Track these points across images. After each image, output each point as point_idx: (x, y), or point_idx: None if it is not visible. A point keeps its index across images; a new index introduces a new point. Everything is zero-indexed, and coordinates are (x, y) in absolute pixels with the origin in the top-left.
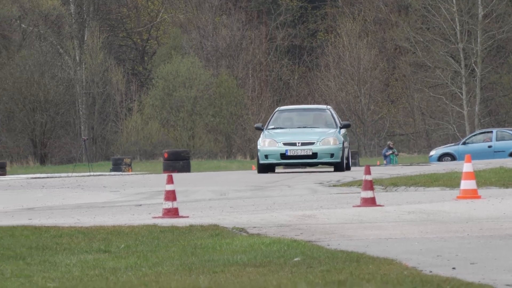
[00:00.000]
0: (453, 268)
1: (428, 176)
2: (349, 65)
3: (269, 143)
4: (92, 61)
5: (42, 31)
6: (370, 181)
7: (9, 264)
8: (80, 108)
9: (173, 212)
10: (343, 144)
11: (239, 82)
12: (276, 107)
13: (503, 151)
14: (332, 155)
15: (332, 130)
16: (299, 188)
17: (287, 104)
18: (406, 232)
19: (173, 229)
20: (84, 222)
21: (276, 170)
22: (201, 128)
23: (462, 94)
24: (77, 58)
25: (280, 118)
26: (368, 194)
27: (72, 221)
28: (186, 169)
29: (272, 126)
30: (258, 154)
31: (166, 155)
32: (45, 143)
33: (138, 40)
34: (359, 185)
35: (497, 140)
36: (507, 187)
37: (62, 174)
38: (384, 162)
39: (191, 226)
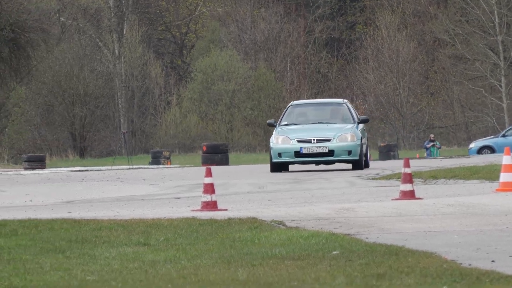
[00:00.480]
0: (492, 261)
1: (468, 169)
2: (388, 58)
3: (282, 140)
4: (131, 55)
5: (81, 24)
6: (409, 174)
7: (48, 258)
8: (119, 102)
9: (211, 205)
10: (361, 141)
11: (277, 75)
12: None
13: None
14: (350, 153)
15: (350, 126)
16: (337, 181)
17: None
18: (445, 225)
19: (211, 222)
20: (124, 215)
21: (291, 169)
22: (240, 121)
23: (501, 87)
24: (116, 51)
25: (294, 114)
26: (407, 187)
27: (111, 214)
28: (225, 162)
29: (285, 122)
30: (271, 152)
31: (204, 148)
32: (85, 136)
33: (177, 34)
34: (398, 178)
35: None
36: None
37: (102, 167)
38: (425, 154)
39: (229, 219)
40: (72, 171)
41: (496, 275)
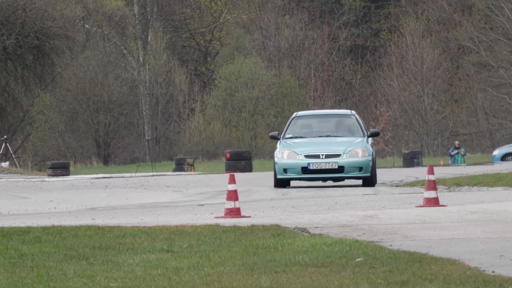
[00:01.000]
0: None
1: (491, 176)
2: (412, 65)
3: (288, 155)
4: (155, 62)
5: (105, 31)
6: (433, 181)
7: (72, 264)
8: (144, 109)
9: (235, 212)
10: (372, 156)
11: (301, 82)
12: (338, 107)
13: None
14: (361, 169)
15: (360, 140)
16: (361, 188)
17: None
18: (469, 232)
19: (235, 229)
20: (147, 222)
21: (294, 184)
22: (263, 128)
23: None
24: (141, 58)
25: (297, 125)
26: (431, 194)
27: (135, 221)
28: (248, 169)
29: (290, 135)
30: (275, 167)
31: (228, 155)
32: (109, 143)
33: (201, 41)
34: (422, 185)
35: None
36: None
37: (126, 174)
38: (449, 162)
39: (253, 226)
40: (96, 178)
41: None
